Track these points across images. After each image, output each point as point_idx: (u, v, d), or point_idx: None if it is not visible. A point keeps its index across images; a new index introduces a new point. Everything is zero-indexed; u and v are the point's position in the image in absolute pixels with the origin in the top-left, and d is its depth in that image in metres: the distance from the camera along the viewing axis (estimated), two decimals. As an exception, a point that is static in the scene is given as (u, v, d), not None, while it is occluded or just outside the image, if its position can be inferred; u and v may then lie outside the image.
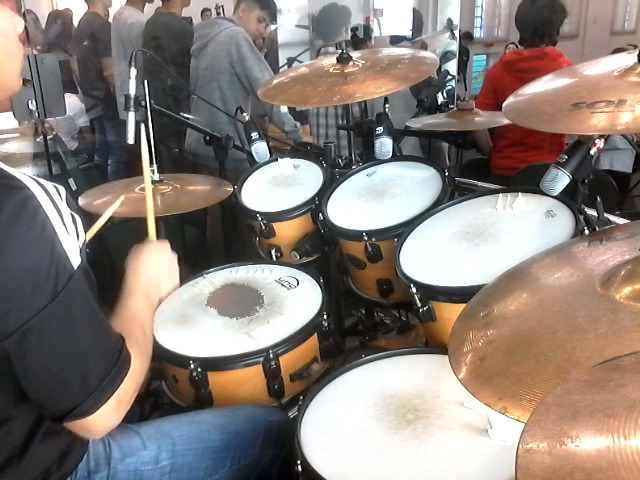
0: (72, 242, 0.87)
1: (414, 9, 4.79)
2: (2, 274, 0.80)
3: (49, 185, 0.87)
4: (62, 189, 0.89)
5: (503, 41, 8.26)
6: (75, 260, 0.87)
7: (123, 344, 0.96)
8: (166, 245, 1.30)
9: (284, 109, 3.15)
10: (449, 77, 3.12)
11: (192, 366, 1.33)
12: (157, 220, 1.39)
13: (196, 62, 3.20)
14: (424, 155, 3.01)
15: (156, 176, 1.94)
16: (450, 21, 4.78)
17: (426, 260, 1.38)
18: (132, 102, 1.97)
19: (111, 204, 1.39)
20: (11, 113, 3.00)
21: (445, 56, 4.45)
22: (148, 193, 1.36)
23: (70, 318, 0.86)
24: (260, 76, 2.94)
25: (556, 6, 2.88)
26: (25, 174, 0.85)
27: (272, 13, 3.37)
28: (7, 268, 0.80)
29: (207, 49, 3.11)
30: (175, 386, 1.46)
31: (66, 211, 0.87)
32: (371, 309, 2.18)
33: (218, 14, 3.63)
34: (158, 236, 1.38)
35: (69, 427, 0.92)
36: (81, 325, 0.88)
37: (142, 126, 1.51)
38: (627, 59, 1.16)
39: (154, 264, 1.22)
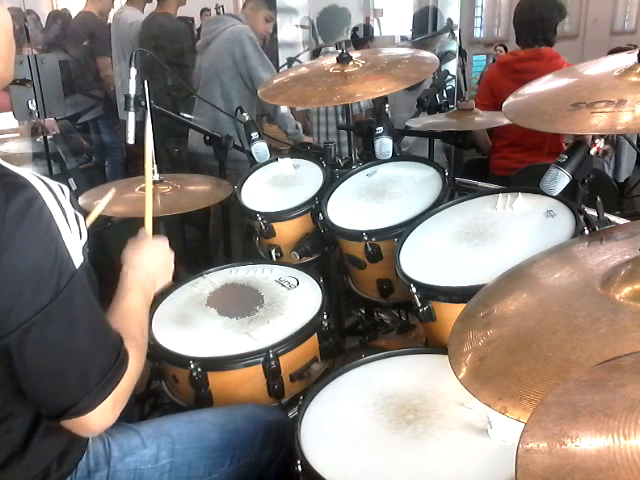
0: (75, 241, 0.88)
1: (422, 9, 4.76)
2: (6, 271, 0.80)
3: (54, 184, 0.88)
4: (66, 188, 0.90)
5: (503, 41, 8.24)
6: (77, 259, 0.87)
7: (122, 343, 0.96)
8: (164, 241, 1.28)
9: (285, 110, 3.14)
10: (449, 77, 3.12)
11: (192, 366, 1.33)
12: (157, 220, 1.38)
13: (200, 59, 3.16)
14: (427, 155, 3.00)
15: (156, 176, 1.94)
16: (450, 21, 4.76)
17: (426, 260, 1.38)
18: (132, 102, 1.97)
19: (109, 203, 1.39)
20: (11, 113, 3.00)
21: (445, 56, 4.44)
22: (148, 189, 1.35)
23: (71, 316, 0.87)
24: (263, 76, 2.90)
25: (551, 5, 2.85)
26: (31, 172, 0.86)
27: (276, 13, 3.36)
28: (11, 265, 0.81)
29: (211, 46, 3.06)
30: (175, 386, 1.46)
31: (70, 210, 0.89)
32: (371, 309, 2.18)
33: (218, 14, 3.62)
34: (157, 234, 1.38)
35: (66, 425, 0.92)
36: (82, 323, 0.88)
37: (148, 123, 1.51)
38: (627, 59, 1.16)
39: (151, 259, 1.21)
